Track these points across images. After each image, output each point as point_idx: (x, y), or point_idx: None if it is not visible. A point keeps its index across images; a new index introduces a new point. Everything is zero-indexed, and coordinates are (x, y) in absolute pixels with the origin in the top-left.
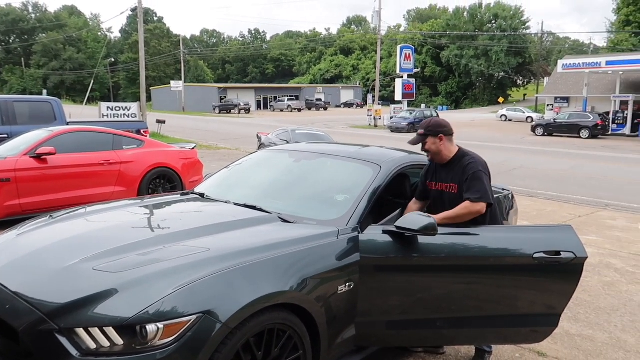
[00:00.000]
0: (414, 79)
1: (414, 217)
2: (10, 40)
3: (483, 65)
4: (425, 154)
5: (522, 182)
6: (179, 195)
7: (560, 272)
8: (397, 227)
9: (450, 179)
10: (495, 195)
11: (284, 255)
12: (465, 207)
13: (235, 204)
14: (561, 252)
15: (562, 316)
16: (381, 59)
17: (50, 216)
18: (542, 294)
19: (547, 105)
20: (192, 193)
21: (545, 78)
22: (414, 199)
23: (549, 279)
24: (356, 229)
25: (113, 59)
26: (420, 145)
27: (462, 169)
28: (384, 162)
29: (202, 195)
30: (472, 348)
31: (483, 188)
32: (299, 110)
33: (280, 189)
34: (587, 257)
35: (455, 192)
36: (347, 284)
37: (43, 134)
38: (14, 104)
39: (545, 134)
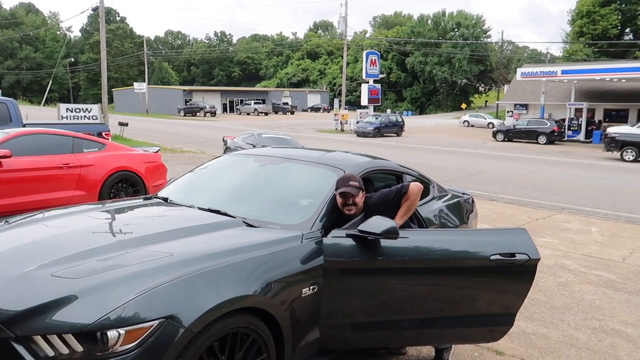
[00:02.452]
0: (379, 85)
1: (376, 221)
2: None
3: (446, 72)
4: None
5: (483, 187)
6: (141, 200)
7: (515, 273)
8: (360, 231)
9: None
10: (455, 200)
11: (248, 259)
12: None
13: (200, 209)
14: (516, 254)
15: (518, 315)
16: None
17: (6, 221)
18: (499, 294)
19: (507, 112)
20: (155, 197)
21: (506, 85)
22: None
23: (505, 280)
24: (320, 233)
25: (73, 59)
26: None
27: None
28: (347, 166)
29: (165, 199)
30: (432, 348)
31: None
32: (266, 114)
33: (245, 193)
34: (539, 259)
35: None
36: (311, 287)
37: None
38: None
39: (506, 139)
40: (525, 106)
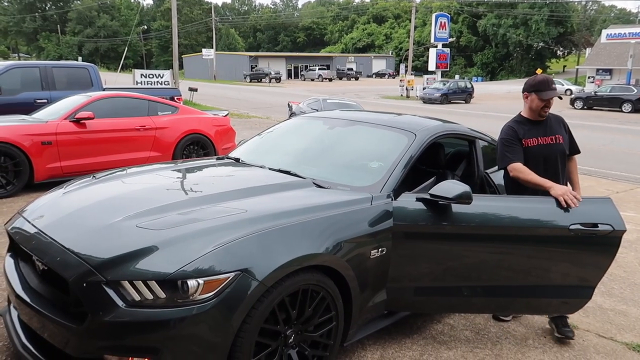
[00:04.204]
0: (448, 49)
1: (449, 185)
2: (47, 7)
3: (522, 35)
4: (547, 108)
5: None
6: (215, 160)
7: (597, 244)
8: (431, 195)
9: (554, 132)
10: None
11: (319, 219)
12: (576, 164)
13: (270, 169)
14: (598, 225)
15: (595, 290)
16: (415, 27)
17: (94, 176)
18: (577, 265)
19: (588, 78)
20: (227, 158)
21: (587, 49)
22: (515, 161)
23: (585, 251)
24: (389, 196)
25: (146, 27)
26: (542, 101)
27: (559, 123)
28: (418, 130)
29: (237, 160)
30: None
31: None
32: (330, 79)
33: (314, 155)
34: (625, 231)
35: (561, 142)
36: (380, 250)
37: (82, 99)
38: (53, 69)
39: (585, 107)
40: (609, 71)
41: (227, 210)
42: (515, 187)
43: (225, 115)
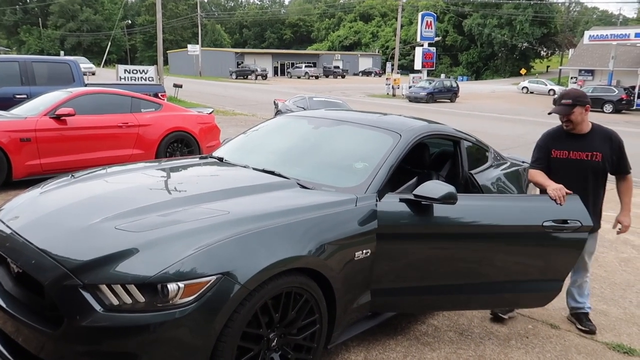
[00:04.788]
0: (434, 48)
1: (433, 186)
2: (28, 0)
3: (506, 35)
4: (565, 124)
5: None
6: (198, 159)
7: (567, 239)
8: (416, 196)
9: (593, 148)
10: (514, 168)
11: (303, 220)
12: (630, 182)
13: (254, 169)
14: (568, 221)
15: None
16: (401, 26)
17: (72, 176)
18: (549, 260)
19: (571, 78)
20: (210, 157)
21: (570, 50)
22: (534, 166)
23: (556, 246)
24: (374, 197)
25: (130, 21)
26: (557, 115)
27: (605, 139)
28: (404, 130)
29: (220, 159)
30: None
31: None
32: (317, 77)
33: (299, 155)
34: (592, 225)
35: (599, 159)
36: (364, 251)
37: (62, 95)
38: (33, 64)
39: None
40: (591, 72)
41: (209, 212)
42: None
43: (210, 113)
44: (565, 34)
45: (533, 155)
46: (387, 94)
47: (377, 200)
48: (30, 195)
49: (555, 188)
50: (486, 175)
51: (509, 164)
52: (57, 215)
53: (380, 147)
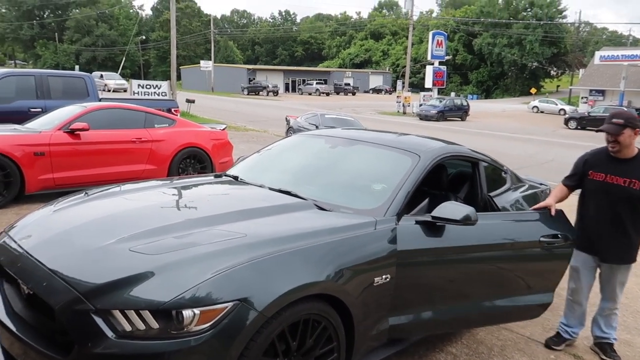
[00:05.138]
0: (445, 67)
1: (453, 207)
2: (45, 15)
3: (516, 54)
4: (610, 144)
5: (553, 176)
6: (212, 177)
7: (558, 252)
8: (435, 217)
9: (633, 175)
10: (532, 191)
11: (321, 244)
12: None
13: (270, 189)
14: (558, 235)
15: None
16: (412, 44)
17: (86, 193)
18: (544, 273)
19: (582, 98)
20: (225, 175)
21: (580, 70)
22: (562, 184)
23: (549, 260)
24: (394, 220)
25: (144, 37)
26: (605, 134)
27: None
28: (423, 151)
29: (235, 177)
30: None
31: None
32: (327, 94)
33: (316, 175)
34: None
35: (636, 188)
36: (384, 276)
37: (77, 109)
38: (49, 78)
39: (579, 127)
40: (602, 92)
41: (225, 234)
42: (579, 205)
43: (223, 129)
44: (575, 53)
45: (570, 171)
46: (398, 111)
47: (396, 224)
48: (43, 213)
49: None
50: (505, 198)
51: (527, 186)
52: (70, 235)
53: (399, 168)
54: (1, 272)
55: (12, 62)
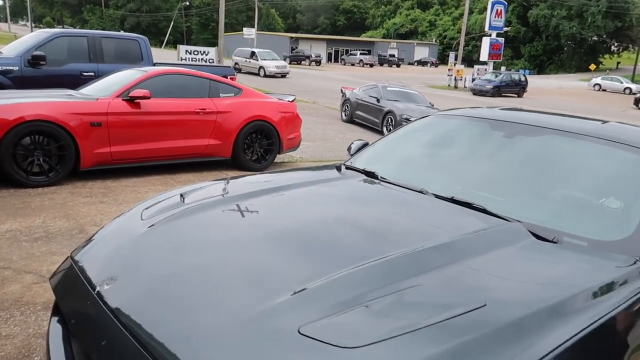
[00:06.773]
0: (503, 39)
1: None
2: None
3: (575, 27)
4: None
5: None
6: (335, 171)
7: None
8: None
9: None
10: None
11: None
12: None
13: (437, 196)
14: None
15: None
16: (460, 15)
17: (182, 197)
18: None
19: None
20: (348, 168)
21: None
22: None
23: None
24: None
25: (187, 3)
26: None
27: None
28: None
29: (370, 174)
30: None
31: None
32: (371, 65)
33: (496, 177)
34: None
35: None
36: None
37: (136, 74)
38: (102, 40)
39: None
40: None
41: (459, 301)
42: None
43: (292, 101)
44: None
45: None
46: (449, 85)
47: None
48: (131, 236)
49: None
50: None
51: None
52: (183, 283)
53: (636, 175)
54: (65, 323)
55: (60, 26)
